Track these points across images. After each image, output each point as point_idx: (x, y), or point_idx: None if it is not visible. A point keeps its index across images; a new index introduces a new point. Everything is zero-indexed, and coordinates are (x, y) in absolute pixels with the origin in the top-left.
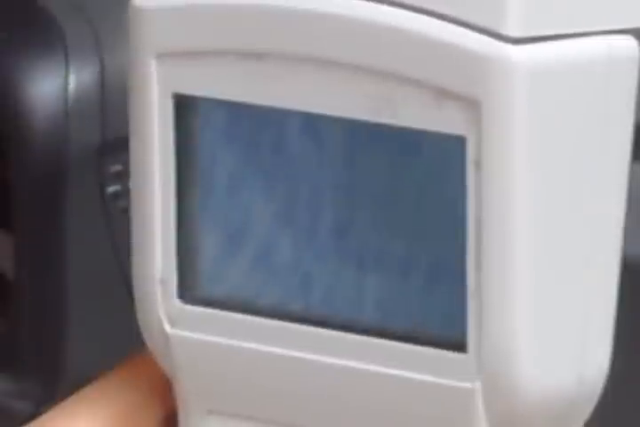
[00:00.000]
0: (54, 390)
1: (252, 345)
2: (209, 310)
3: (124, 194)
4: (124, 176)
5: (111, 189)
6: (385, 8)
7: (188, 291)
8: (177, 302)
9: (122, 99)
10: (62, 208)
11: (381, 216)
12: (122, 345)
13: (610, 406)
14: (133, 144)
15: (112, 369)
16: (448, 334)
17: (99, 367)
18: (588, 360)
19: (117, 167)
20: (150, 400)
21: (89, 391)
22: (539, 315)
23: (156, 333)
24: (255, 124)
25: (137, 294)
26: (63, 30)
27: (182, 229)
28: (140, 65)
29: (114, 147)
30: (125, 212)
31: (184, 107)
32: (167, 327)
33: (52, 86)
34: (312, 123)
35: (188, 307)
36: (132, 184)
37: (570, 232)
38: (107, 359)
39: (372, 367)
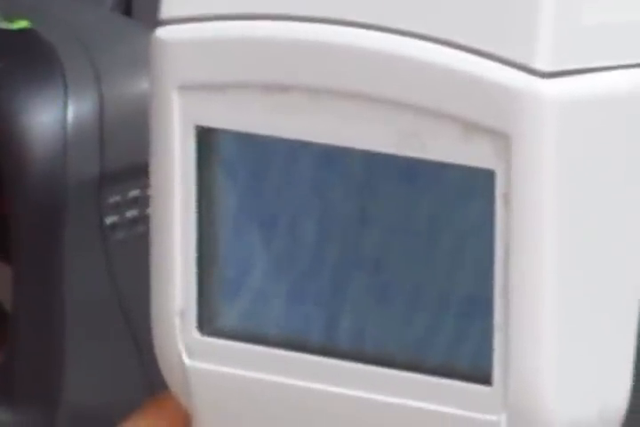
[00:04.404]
0: (51, 421)
1: (272, 377)
2: (228, 342)
3: (123, 225)
4: (122, 207)
5: (109, 219)
6: (413, 41)
7: (207, 323)
8: (196, 334)
9: (121, 130)
10: (60, 239)
11: (407, 250)
12: (120, 376)
13: None
14: (154, 176)
15: (136, 411)
16: (474, 367)
17: (96, 399)
18: (610, 394)
19: (116, 198)
20: None
21: None
22: (564, 349)
23: (175, 365)
24: (278, 157)
25: (155, 326)
26: (62, 61)
27: (202, 261)
28: (161, 97)
29: (112, 178)
30: (124, 243)
31: (206, 139)
32: (186, 359)
33: (50, 117)
34: (336, 156)
35: (207, 339)
36: (151, 216)
37: (598, 266)
38: (104, 391)
39: (397, 400)
